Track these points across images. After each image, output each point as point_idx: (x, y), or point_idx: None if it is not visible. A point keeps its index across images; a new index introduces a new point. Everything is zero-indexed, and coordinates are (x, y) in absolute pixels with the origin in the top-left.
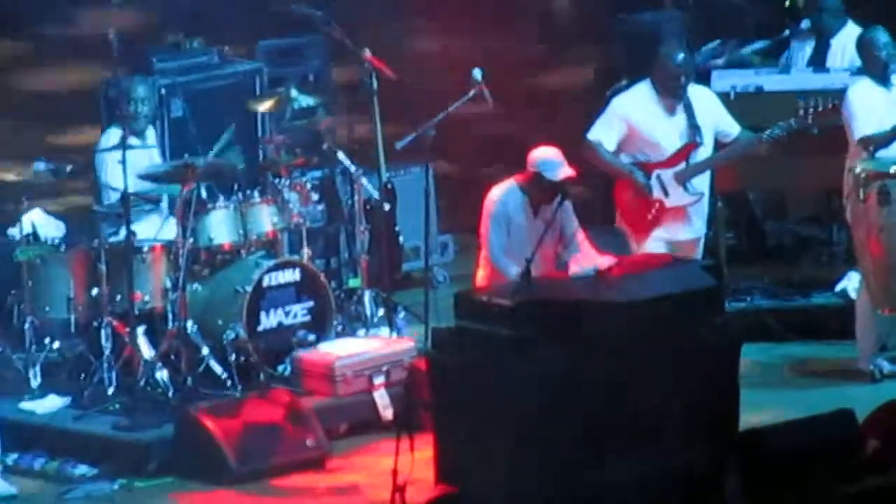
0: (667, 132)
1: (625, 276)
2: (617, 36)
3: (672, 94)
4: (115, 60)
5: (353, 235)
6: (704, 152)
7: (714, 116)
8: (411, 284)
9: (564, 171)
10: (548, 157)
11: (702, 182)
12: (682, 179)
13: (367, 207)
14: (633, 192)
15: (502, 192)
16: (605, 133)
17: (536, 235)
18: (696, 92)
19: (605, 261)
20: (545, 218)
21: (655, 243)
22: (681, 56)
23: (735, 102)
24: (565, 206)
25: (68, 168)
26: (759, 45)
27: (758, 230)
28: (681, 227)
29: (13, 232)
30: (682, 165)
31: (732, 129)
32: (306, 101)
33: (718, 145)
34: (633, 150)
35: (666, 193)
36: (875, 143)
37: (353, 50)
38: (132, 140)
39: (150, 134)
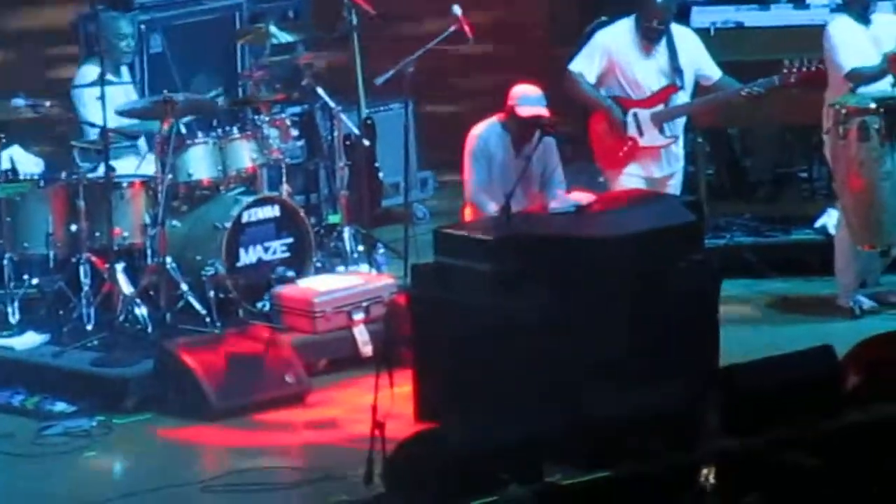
0: (647, 71)
1: (605, 212)
2: None
3: (654, 33)
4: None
5: (333, 171)
6: (684, 96)
7: (695, 59)
8: (391, 220)
9: (534, 109)
10: (524, 93)
11: (678, 124)
12: (659, 121)
13: (347, 143)
14: (607, 127)
15: (483, 129)
16: (586, 65)
17: (518, 173)
18: (679, 32)
19: (584, 196)
20: (527, 155)
21: (628, 178)
22: None
23: (715, 38)
24: (547, 144)
25: (47, 104)
26: None
27: (738, 166)
28: (653, 166)
29: None
30: (661, 107)
31: (714, 72)
32: (285, 37)
33: (698, 87)
34: (613, 85)
35: (641, 133)
36: (864, 77)
37: None
38: (109, 76)
39: (125, 70)
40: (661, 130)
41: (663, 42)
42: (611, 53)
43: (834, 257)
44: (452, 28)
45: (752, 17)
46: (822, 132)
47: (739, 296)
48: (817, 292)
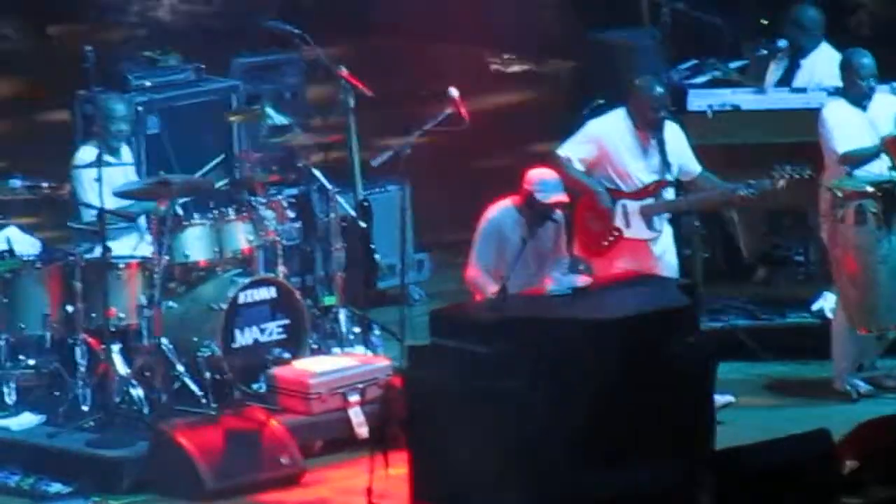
0: (638, 164)
1: (600, 294)
2: (591, 52)
3: (647, 127)
4: (90, 76)
5: (329, 253)
6: (671, 192)
7: (680, 153)
8: (387, 302)
9: (557, 196)
10: (543, 179)
11: (664, 221)
12: (648, 214)
13: (343, 225)
14: (593, 214)
15: (498, 212)
16: (575, 151)
17: (532, 256)
18: (666, 126)
19: (582, 278)
20: (541, 236)
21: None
22: (658, 89)
23: (711, 121)
24: (556, 228)
25: (44, 185)
26: (735, 63)
27: (734, 249)
28: (640, 260)
29: None
30: (650, 200)
31: (695, 167)
32: (281, 118)
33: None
34: (602, 175)
35: (627, 224)
36: (858, 159)
37: (329, 67)
38: (106, 157)
39: (125, 151)
40: (649, 224)
41: (654, 137)
42: (603, 143)
43: (830, 340)
44: (449, 111)
45: (748, 101)
46: (819, 215)
47: (736, 378)
48: (813, 375)
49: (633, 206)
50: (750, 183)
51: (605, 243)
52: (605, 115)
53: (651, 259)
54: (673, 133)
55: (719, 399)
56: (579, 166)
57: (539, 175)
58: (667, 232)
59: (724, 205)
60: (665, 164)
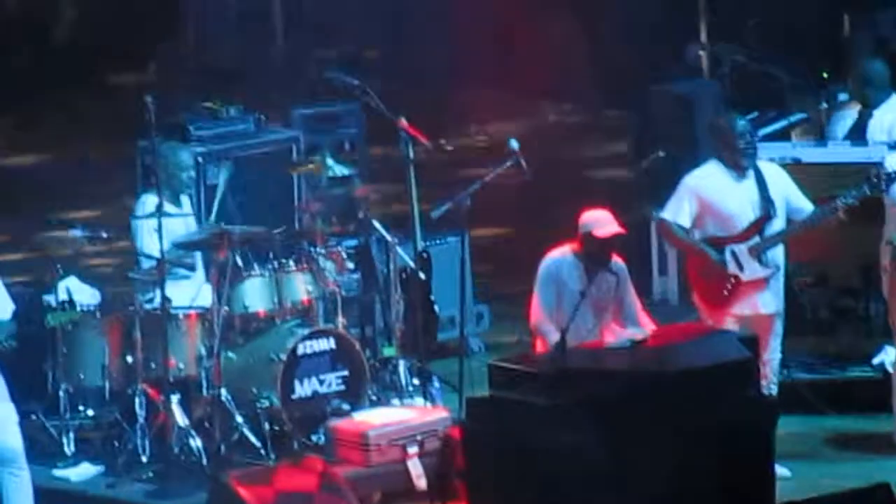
0: (739, 204)
1: (659, 347)
2: (652, 103)
3: (739, 162)
4: (151, 126)
5: (389, 304)
6: (778, 224)
7: (785, 190)
8: (446, 353)
9: (611, 228)
10: (595, 216)
11: (777, 254)
12: (757, 252)
13: (403, 276)
14: (707, 269)
15: (556, 258)
16: (678, 211)
17: (591, 307)
18: (765, 166)
19: (640, 331)
20: (600, 285)
21: (732, 320)
22: (741, 122)
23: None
24: (620, 275)
25: (104, 235)
26: (796, 117)
27: (795, 301)
28: (759, 302)
29: (49, 298)
30: (756, 238)
31: (805, 205)
32: (342, 169)
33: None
34: (707, 224)
35: (741, 268)
36: None
37: (389, 117)
38: (168, 207)
39: (185, 201)
40: (762, 261)
41: (752, 174)
42: (701, 195)
43: (891, 394)
44: (509, 162)
45: (809, 154)
46: (880, 268)
47: (797, 432)
48: (875, 429)
49: (742, 248)
50: (849, 191)
51: (726, 292)
52: (697, 169)
53: (768, 297)
54: (772, 171)
55: (777, 470)
56: (686, 223)
57: (593, 214)
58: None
59: (827, 221)
60: (766, 200)
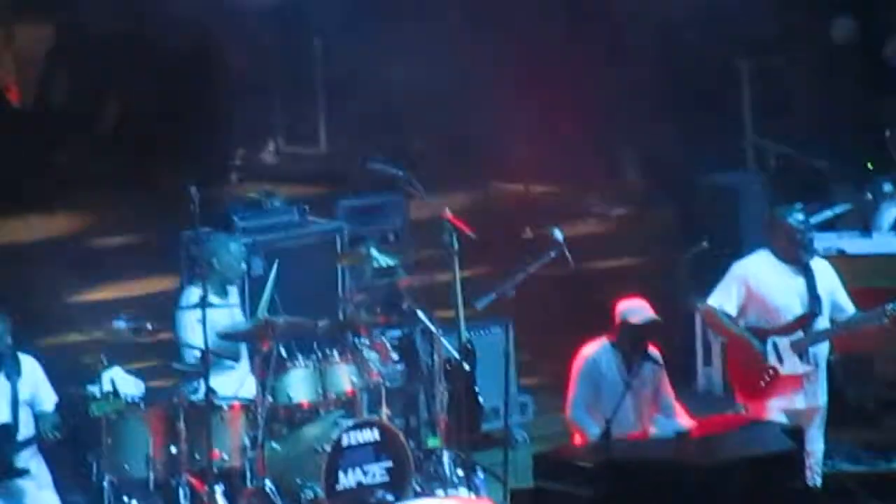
0: (787, 297)
1: (704, 438)
2: (696, 195)
3: (797, 256)
4: (195, 216)
5: (433, 394)
6: (822, 321)
7: (832, 288)
8: (490, 444)
9: (646, 315)
10: (631, 304)
11: (820, 352)
12: (799, 349)
13: (447, 367)
14: (747, 358)
15: (593, 350)
16: (725, 297)
17: (633, 397)
18: (816, 262)
19: (685, 422)
20: (641, 375)
21: (771, 412)
22: (798, 217)
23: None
24: (656, 367)
25: (148, 326)
26: (841, 208)
27: (839, 393)
28: (795, 396)
29: (93, 389)
30: (800, 334)
31: (848, 307)
32: (386, 260)
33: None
34: (751, 314)
35: (781, 361)
36: None
37: (433, 209)
38: (213, 298)
39: (232, 291)
40: (802, 358)
41: (802, 270)
42: (749, 283)
43: None
44: (553, 253)
45: (853, 245)
46: None
47: None
48: None
49: (784, 342)
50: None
51: (763, 384)
52: (747, 257)
53: (807, 393)
54: (823, 268)
55: None
56: (732, 311)
57: (628, 303)
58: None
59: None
60: (813, 296)
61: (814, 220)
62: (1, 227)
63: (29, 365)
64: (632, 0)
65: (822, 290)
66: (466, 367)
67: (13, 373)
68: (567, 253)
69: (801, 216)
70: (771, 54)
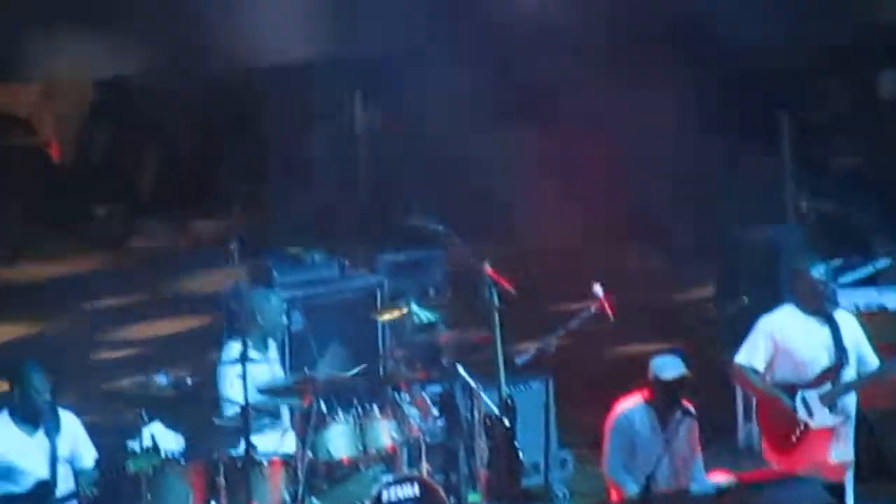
0: (814, 350)
1: (743, 493)
2: (736, 249)
3: (818, 308)
4: (235, 271)
5: (473, 450)
6: (850, 373)
7: (858, 341)
8: (531, 500)
9: (678, 370)
10: (661, 360)
11: (848, 403)
12: (829, 400)
13: (487, 422)
14: (776, 413)
15: (627, 407)
16: (753, 355)
17: (665, 450)
18: (838, 314)
19: (724, 477)
20: (678, 431)
21: (803, 467)
22: (820, 269)
23: (858, 322)
24: (691, 422)
25: (188, 381)
26: (881, 263)
27: (878, 450)
28: (826, 450)
29: (133, 444)
30: (828, 386)
31: (872, 360)
32: (426, 315)
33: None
34: (779, 369)
35: (811, 414)
36: None
37: (473, 264)
38: (253, 353)
39: (271, 346)
40: (832, 409)
41: (827, 322)
42: (776, 339)
43: None
44: (593, 309)
45: (895, 300)
46: None
47: None
48: None
49: (813, 395)
50: None
51: (794, 439)
52: (773, 312)
53: (838, 446)
54: (847, 320)
55: None
56: (760, 366)
57: (658, 358)
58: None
59: None
60: (840, 348)
61: (854, 275)
62: (40, 277)
63: (68, 421)
64: (671, 58)
65: (847, 341)
66: (506, 422)
67: (52, 429)
68: (607, 308)
69: (822, 269)
70: (812, 109)
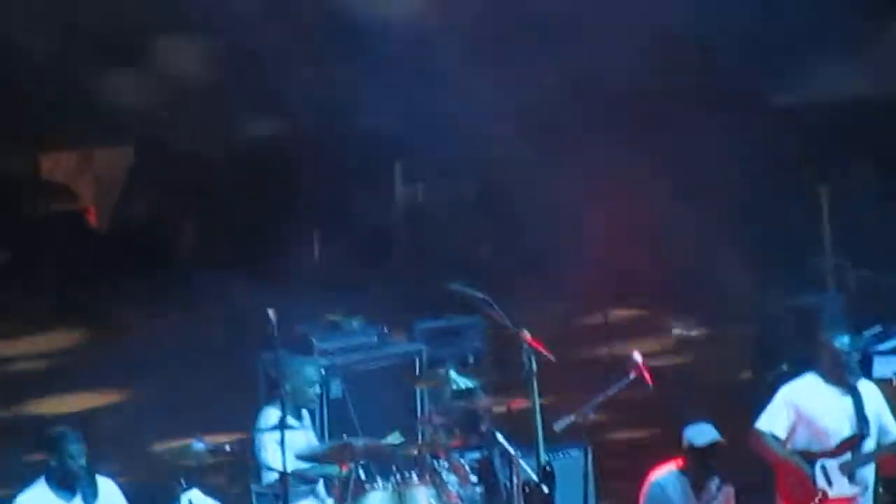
0: (835, 419)
1: None
2: (775, 316)
3: (838, 380)
4: (273, 339)
5: None
6: (870, 443)
7: (880, 411)
8: None
9: (711, 436)
10: (695, 427)
11: (867, 474)
12: (848, 470)
13: (526, 489)
14: (796, 481)
15: (661, 476)
16: (774, 422)
17: None
18: (863, 384)
19: None
20: (707, 500)
21: None
22: (846, 339)
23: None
24: (727, 490)
25: (227, 448)
26: None
27: None
28: None
29: None
30: (848, 455)
31: (893, 429)
32: (465, 382)
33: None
34: (799, 437)
35: (830, 483)
36: None
37: (512, 331)
38: (290, 420)
39: (305, 414)
40: (851, 479)
41: (849, 392)
42: (798, 407)
43: None
44: (632, 375)
45: None
46: None
47: None
48: None
49: (832, 464)
50: None
51: None
52: (796, 379)
53: None
54: (870, 390)
55: None
56: (782, 434)
57: (692, 426)
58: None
59: None
60: (861, 418)
61: (893, 343)
62: (79, 347)
63: (106, 488)
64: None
65: (869, 412)
66: (545, 489)
67: (90, 495)
68: (646, 375)
69: (846, 339)
70: (851, 178)
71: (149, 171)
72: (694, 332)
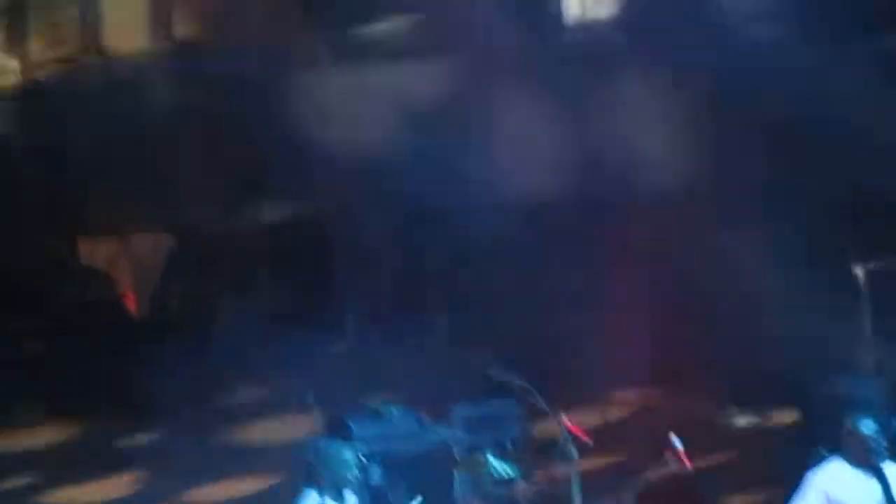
0: None
1: None
2: (816, 404)
3: (867, 461)
4: (313, 424)
5: None
6: None
7: None
8: None
9: None
10: None
11: None
12: None
13: None
14: None
15: None
16: None
17: None
18: (888, 467)
19: None
20: None
21: None
22: (871, 426)
23: None
24: None
25: None
26: None
27: None
28: None
29: None
30: None
31: None
32: (504, 468)
33: None
34: None
35: None
36: None
37: (550, 414)
38: (329, 502)
39: (350, 499)
40: None
41: (875, 474)
42: (828, 493)
43: None
44: (672, 461)
45: None
46: None
47: None
48: None
49: None
50: None
51: None
52: (822, 466)
53: None
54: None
55: None
56: None
57: None
58: None
59: None
60: (890, 502)
61: None
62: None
63: None
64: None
65: None
66: None
67: None
68: (685, 460)
69: (872, 424)
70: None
71: (186, 256)
72: (740, 423)
